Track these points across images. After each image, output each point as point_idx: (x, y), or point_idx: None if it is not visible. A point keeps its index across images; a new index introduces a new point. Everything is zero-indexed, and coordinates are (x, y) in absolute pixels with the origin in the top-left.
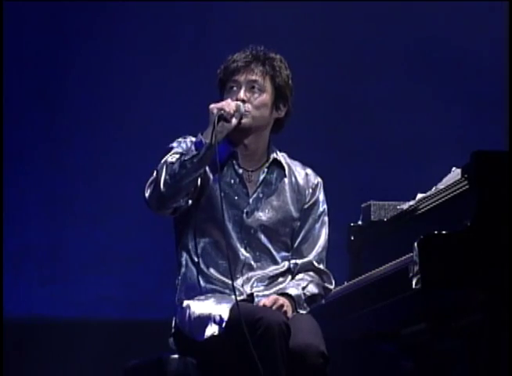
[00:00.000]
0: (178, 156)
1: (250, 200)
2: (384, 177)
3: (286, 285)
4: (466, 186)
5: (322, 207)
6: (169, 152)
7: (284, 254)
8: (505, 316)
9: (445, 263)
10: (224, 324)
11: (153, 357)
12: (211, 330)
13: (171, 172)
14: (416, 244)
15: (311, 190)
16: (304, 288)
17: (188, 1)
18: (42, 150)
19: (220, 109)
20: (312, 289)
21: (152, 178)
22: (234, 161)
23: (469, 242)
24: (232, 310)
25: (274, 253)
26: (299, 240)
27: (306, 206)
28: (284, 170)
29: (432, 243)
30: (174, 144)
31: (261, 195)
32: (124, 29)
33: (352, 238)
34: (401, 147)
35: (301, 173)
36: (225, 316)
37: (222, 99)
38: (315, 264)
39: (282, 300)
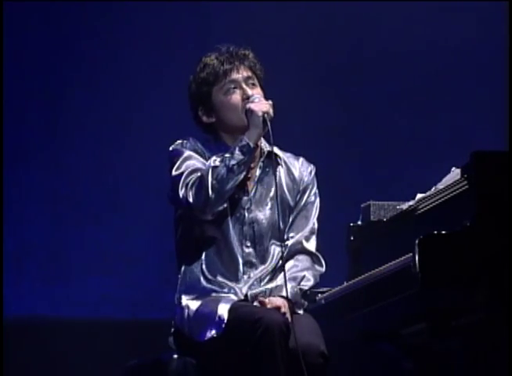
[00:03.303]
0: (220, 159)
1: (251, 197)
2: (384, 177)
3: (281, 282)
4: (466, 186)
5: (314, 190)
6: (179, 155)
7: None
8: (505, 316)
9: (444, 263)
10: (223, 324)
11: (153, 357)
12: (211, 331)
13: (217, 177)
14: (416, 244)
15: (305, 178)
16: (299, 283)
17: (189, 1)
18: (44, 149)
19: (265, 112)
20: (307, 282)
21: (191, 182)
22: None
23: (469, 242)
24: (231, 310)
25: (275, 247)
26: (290, 221)
27: (300, 190)
28: (279, 162)
29: (432, 243)
30: (182, 147)
31: (260, 190)
32: (126, 29)
33: (352, 238)
34: (401, 147)
35: (294, 164)
36: (225, 317)
37: (203, 106)
38: (304, 243)
39: (279, 304)
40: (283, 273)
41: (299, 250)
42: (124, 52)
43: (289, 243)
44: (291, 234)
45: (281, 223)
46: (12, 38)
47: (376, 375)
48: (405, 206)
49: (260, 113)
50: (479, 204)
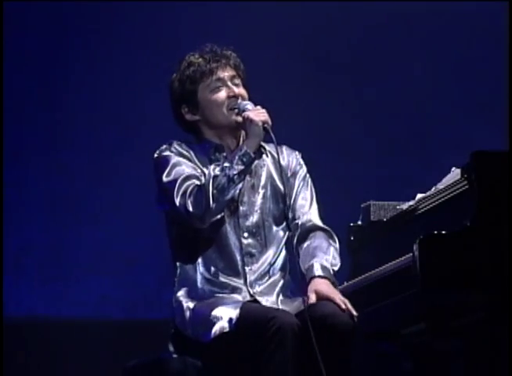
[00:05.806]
0: (219, 168)
1: (243, 190)
2: (384, 177)
3: (310, 262)
4: (466, 186)
5: (304, 173)
6: (168, 162)
7: (282, 233)
8: (505, 316)
9: (444, 263)
10: (233, 323)
11: (153, 357)
12: (217, 330)
13: (218, 186)
14: (416, 244)
15: (293, 165)
16: (329, 262)
17: (189, 1)
18: (43, 149)
19: (264, 122)
20: (336, 260)
21: (189, 190)
22: (222, 155)
23: (469, 242)
24: (242, 309)
25: (274, 234)
26: (292, 203)
27: (290, 175)
28: (263, 152)
29: (432, 243)
30: (169, 153)
31: (251, 182)
32: (125, 29)
33: (352, 238)
34: (401, 147)
35: (280, 153)
36: (233, 316)
37: (187, 103)
38: (318, 222)
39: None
40: (303, 253)
41: (314, 228)
42: (123, 52)
43: (299, 222)
44: (296, 219)
45: (276, 211)
46: (12, 38)
47: (376, 375)
48: (405, 206)
49: (260, 124)
50: (479, 204)
